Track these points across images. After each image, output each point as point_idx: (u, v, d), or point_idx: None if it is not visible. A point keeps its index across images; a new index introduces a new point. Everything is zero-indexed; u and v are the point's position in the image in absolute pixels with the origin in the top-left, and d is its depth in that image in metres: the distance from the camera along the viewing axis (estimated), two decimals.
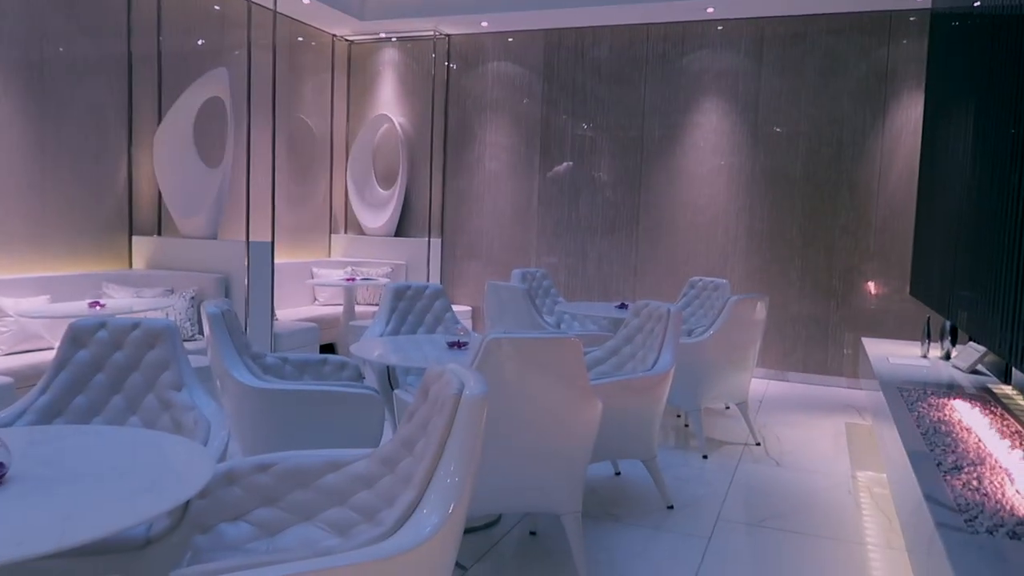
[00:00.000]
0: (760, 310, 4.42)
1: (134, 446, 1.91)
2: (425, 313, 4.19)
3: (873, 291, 6.14)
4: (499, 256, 7.29)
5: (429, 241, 7.40)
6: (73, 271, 5.14)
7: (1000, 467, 2.49)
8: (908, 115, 5.98)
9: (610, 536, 3.15)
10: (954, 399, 3.47)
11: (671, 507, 3.47)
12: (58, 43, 4.96)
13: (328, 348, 6.50)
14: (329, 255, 7.69)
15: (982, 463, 2.52)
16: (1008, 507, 2.11)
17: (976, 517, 2.02)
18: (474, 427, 1.64)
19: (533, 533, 3.14)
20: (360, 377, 3.45)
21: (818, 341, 6.30)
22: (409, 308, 4.15)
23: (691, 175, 6.60)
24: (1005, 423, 3.04)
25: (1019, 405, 3.41)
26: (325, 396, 2.88)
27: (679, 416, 5.00)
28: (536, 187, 7.15)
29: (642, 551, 3.02)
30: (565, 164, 6.98)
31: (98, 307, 4.19)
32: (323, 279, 6.71)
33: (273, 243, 5.41)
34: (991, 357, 4.07)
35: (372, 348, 3.31)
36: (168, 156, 5.46)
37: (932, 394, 3.57)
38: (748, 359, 4.48)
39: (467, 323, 6.80)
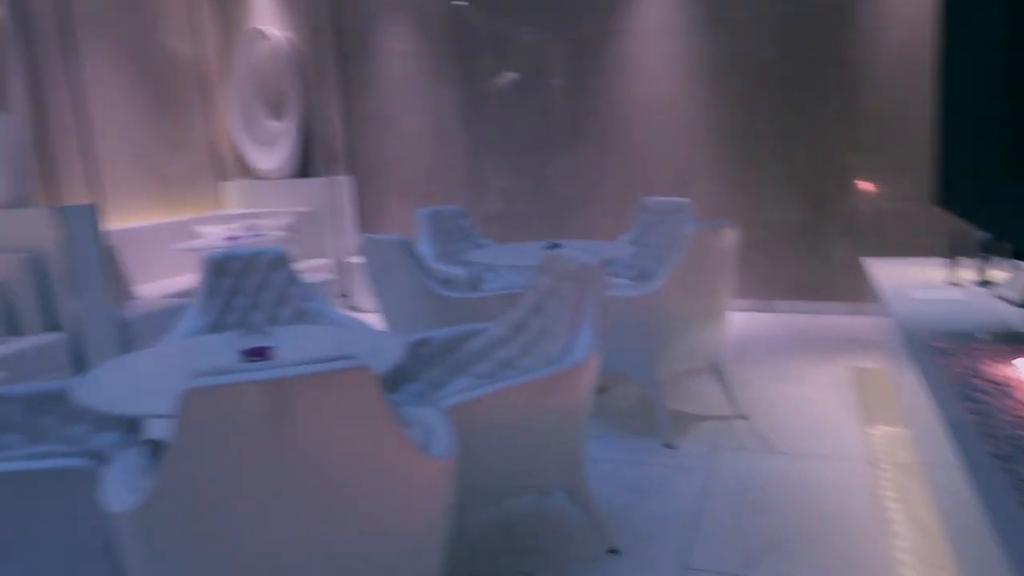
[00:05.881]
0: (727, 239, 3.23)
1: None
2: (261, 291, 2.99)
3: (873, 194, 4.95)
4: (426, 189, 6.03)
5: (340, 180, 6.14)
6: None
7: None
8: None
9: None
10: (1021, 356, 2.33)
11: (614, 551, 2.37)
12: None
13: None
14: (220, 207, 6.41)
15: None
16: None
17: None
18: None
19: None
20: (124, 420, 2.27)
21: (808, 259, 5.15)
22: (236, 287, 2.94)
23: (642, 68, 5.30)
24: None
25: None
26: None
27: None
28: (457, 101, 5.84)
29: None
30: (507, 74, 5.64)
31: None
32: (201, 240, 5.45)
33: (94, 205, 4.13)
34: None
35: (108, 381, 2.10)
36: None
37: (986, 351, 2.42)
38: (718, 305, 3.32)
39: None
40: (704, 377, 3.81)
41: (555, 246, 3.82)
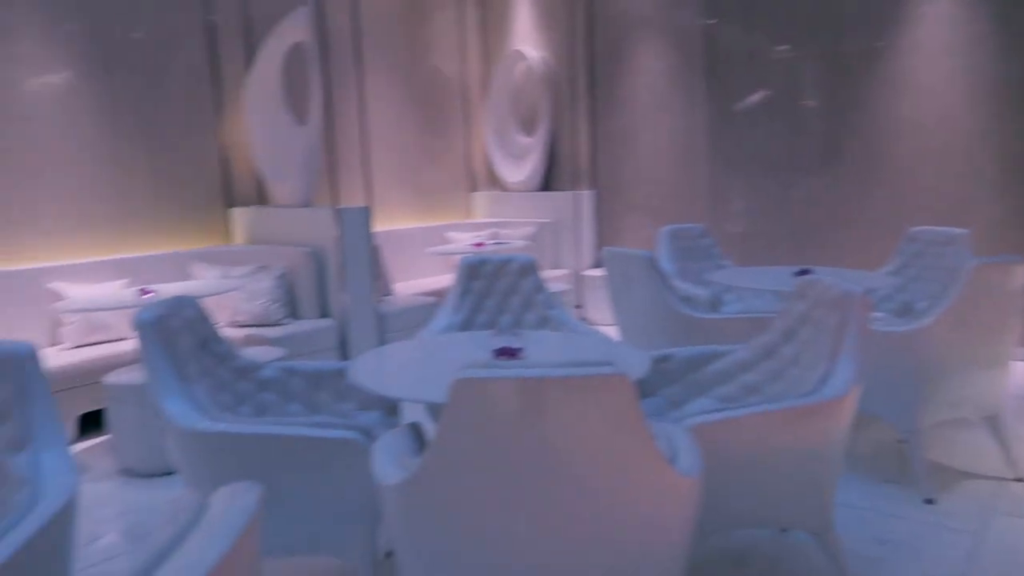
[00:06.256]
0: (1017, 277, 2.85)
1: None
2: (510, 295, 3.13)
3: None
4: (665, 206, 5.99)
5: (581, 194, 6.28)
6: (163, 251, 4.67)
7: None
8: None
9: None
10: None
11: None
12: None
13: None
14: (469, 216, 6.82)
15: None
16: None
17: None
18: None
19: None
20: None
21: None
22: (487, 289, 3.11)
23: (915, 87, 4.86)
24: None
25: None
26: (280, 441, 1.94)
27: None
28: (703, 119, 5.73)
29: None
30: (759, 93, 5.47)
31: (146, 295, 3.59)
32: (452, 245, 5.83)
33: (367, 208, 4.58)
34: None
35: (377, 367, 2.31)
36: (257, 115, 4.81)
37: None
38: (1000, 351, 2.93)
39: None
40: (974, 429, 3.38)
41: (805, 272, 3.61)
